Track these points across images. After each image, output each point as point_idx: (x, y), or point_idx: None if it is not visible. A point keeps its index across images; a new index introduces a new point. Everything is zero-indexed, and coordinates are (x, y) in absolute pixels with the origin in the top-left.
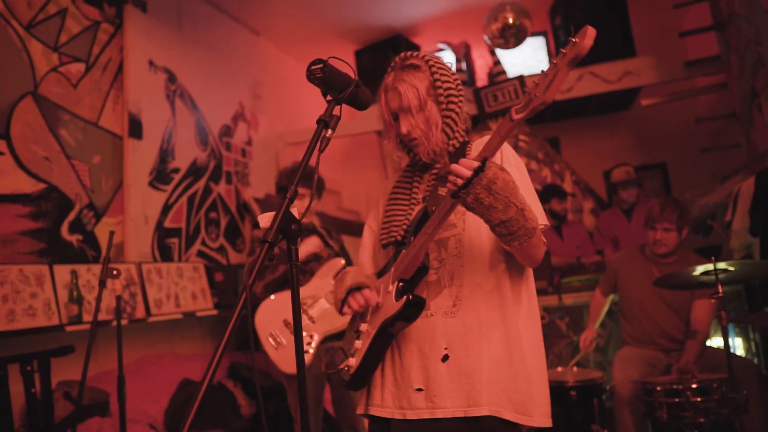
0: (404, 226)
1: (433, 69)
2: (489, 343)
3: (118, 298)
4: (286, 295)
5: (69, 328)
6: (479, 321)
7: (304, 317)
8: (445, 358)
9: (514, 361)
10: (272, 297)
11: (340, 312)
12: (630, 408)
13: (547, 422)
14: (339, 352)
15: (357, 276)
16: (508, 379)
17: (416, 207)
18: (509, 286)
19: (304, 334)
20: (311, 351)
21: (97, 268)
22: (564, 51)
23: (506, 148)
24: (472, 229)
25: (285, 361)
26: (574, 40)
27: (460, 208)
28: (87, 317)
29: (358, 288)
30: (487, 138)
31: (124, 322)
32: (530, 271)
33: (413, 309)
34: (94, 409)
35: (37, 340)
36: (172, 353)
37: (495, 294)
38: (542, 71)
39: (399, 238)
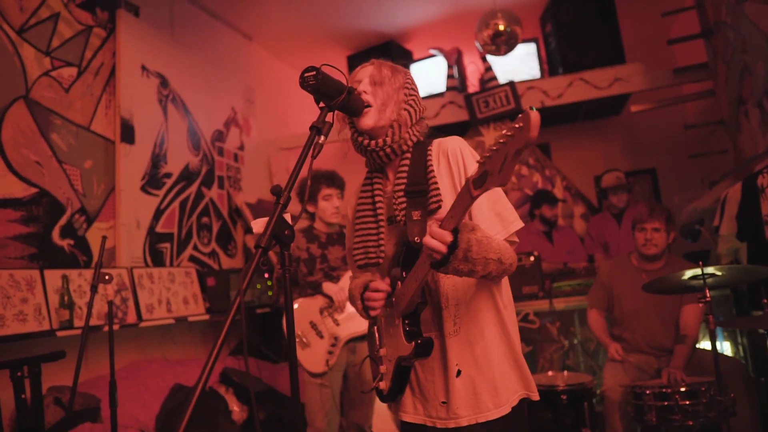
0: (381, 248)
1: (408, 77)
2: (481, 353)
3: (110, 303)
4: (312, 300)
5: (60, 334)
6: (480, 333)
7: (329, 320)
8: (459, 373)
9: (492, 372)
10: (296, 305)
11: (370, 318)
12: (620, 412)
13: (504, 411)
14: (372, 368)
15: (358, 280)
16: (492, 389)
17: (384, 225)
18: (494, 298)
19: (328, 336)
20: (335, 353)
21: (88, 273)
22: (510, 134)
23: (462, 147)
24: None
25: (309, 361)
26: (518, 125)
27: None
28: (78, 322)
29: (365, 289)
30: (446, 143)
31: (115, 327)
32: (506, 284)
33: (423, 350)
34: (84, 415)
35: (27, 345)
36: (163, 358)
37: (480, 307)
38: (492, 147)
39: (380, 261)
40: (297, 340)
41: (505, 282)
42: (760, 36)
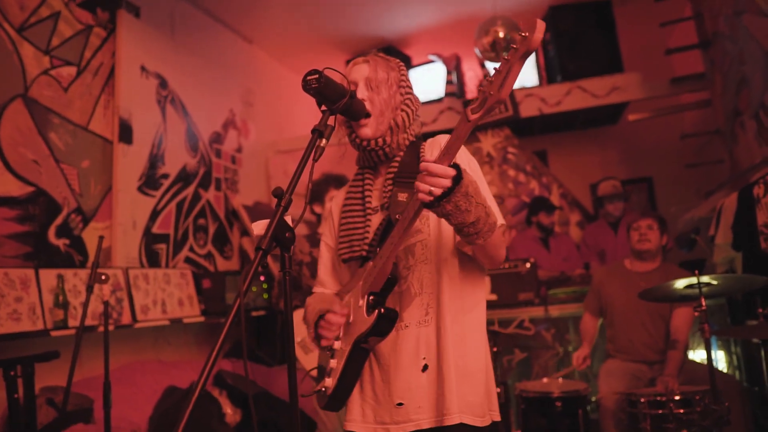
0: (367, 240)
1: (402, 72)
2: (457, 348)
3: (106, 304)
4: None
5: (54, 333)
6: (451, 327)
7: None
8: (425, 368)
9: (474, 366)
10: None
11: (320, 346)
12: (614, 419)
13: (497, 416)
14: (313, 373)
15: (316, 305)
16: (470, 384)
17: (372, 216)
18: (470, 290)
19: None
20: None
21: (83, 273)
22: (515, 46)
23: (463, 156)
24: (437, 233)
25: (313, 365)
26: (524, 34)
27: (424, 212)
28: (72, 322)
29: (321, 317)
30: (440, 139)
31: (110, 327)
32: (485, 279)
33: (386, 322)
34: (77, 416)
35: (21, 344)
36: (157, 360)
37: (459, 299)
38: (494, 68)
39: (365, 254)
40: (299, 345)
41: (482, 296)
42: (758, 48)
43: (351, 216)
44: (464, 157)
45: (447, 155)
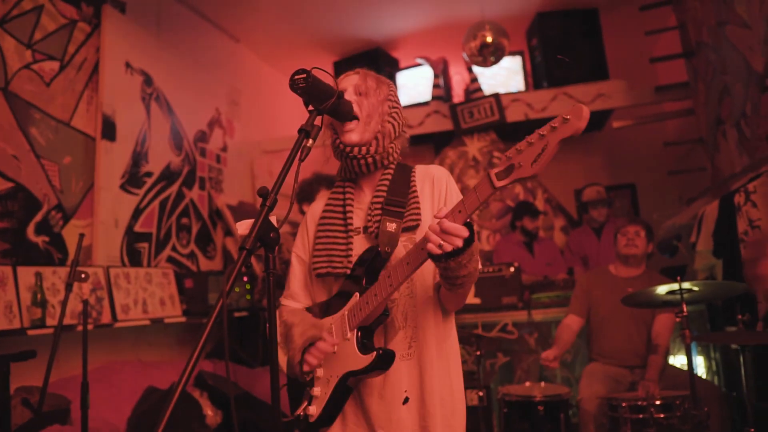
0: (350, 258)
1: (392, 89)
2: (439, 381)
3: (85, 302)
4: None
5: (31, 332)
6: (431, 360)
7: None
8: (406, 400)
9: (452, 396)
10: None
11: (301, 375)
12: (595, 423)
13: None
14: (289, 394)
15: (304, 332)
16: (451, 415)
17: (355, 237)
18: (442, 320)
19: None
20: None
21: (62, 271)
22: (554, 125)
23: (449, 178)
24: (422, 269)
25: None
26: (566, 117)
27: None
28: (50, 321)
29: (311, 344)
30: (432, 170)
31: (89, 327)
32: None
33: (383, 364)
34: (53, 417)
35: None
36: (137, 360)
37: (438, 332)
38: (527, 140)
39: (348, 271)
40: (281, 344)
41: (453, 323)
42: (740, 58)
43: (330, 232)
44: (443, 179)
45: (462, 213)
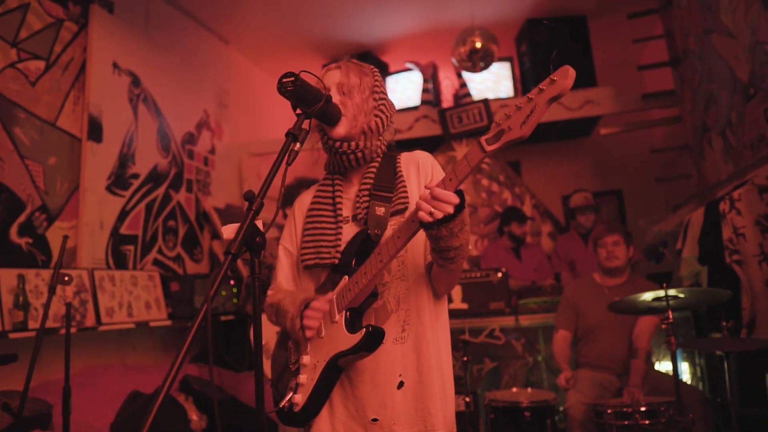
0: (338, 248)
1: (377, 78)
2: (434, 365)
3: (68, 305)
4: None
5: (12, 335)
6: (427, 344)
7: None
8: (401, 385)
9: (444, 381)
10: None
11: (305, 338)
12: (581, 430)
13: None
14: (274, 391)
15: (295, 299)
16: (444, 399)
17: (344, 226)
18: (434, 304)
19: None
20: None
21: (46, 273)
22: (542, 87)
23: (433, 162)
24: (413, 250)
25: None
26: (553, 78)
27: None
28: (32, 324)
29: (305, 307)
30: (417, 155)
31: (72, 330)
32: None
33: (373, 341)
34: (35, 422)
35: None
36: (122, 364)
37: (431, 315)
38: (516, 105)
39: (336, 261)
40: (265, 350)
41: (446, 310)
42: (725, 67)
43: (319, 222)
44: (428, 162)
45: (453, 181)
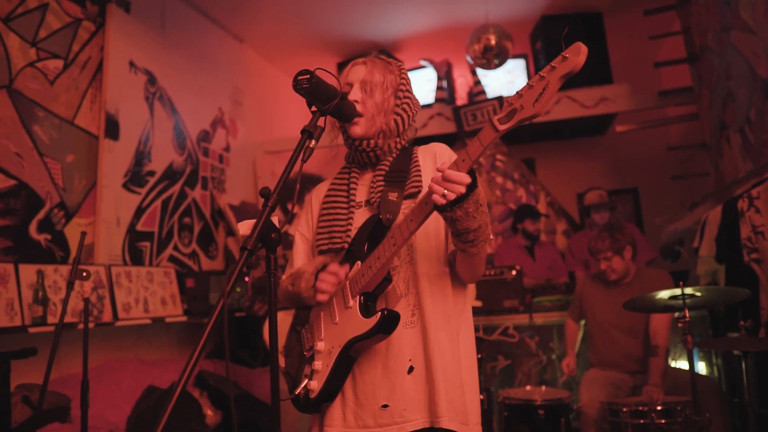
0: (349, 232)
1: (403, 76)
2: (443, 352)
3: (86, 301)
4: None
5: (32, 330)
6: (436, 330)
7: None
8: (411, 370)
9: (457, 371)
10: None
11: (316, 299)
12: (596, 428)
13: (479, 430)
14: (289, 379)
15: (313, 263)
16: (454, 390)
17: (356, 211)
18: (452, 294)
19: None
20: None
21: (64, 269)
22: (554, 65)
23: (450, 152)
24: (422, 234)
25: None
26: (565, 55)
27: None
28: (51, 319)
29: (322, 269)
30: (434, 147)
31: (90, 325)
32: (469, 287)
33: (389, 324)
34: (53, 415)
35: None
36: (138, 359)
37: (444, 302)
38: (528, 84)
39: (346, 246)
40: (282, 351)
41: (468, 301)
42: (744, 64)
43: (333, 208)
44: (445, 153)
45: (465, 161)
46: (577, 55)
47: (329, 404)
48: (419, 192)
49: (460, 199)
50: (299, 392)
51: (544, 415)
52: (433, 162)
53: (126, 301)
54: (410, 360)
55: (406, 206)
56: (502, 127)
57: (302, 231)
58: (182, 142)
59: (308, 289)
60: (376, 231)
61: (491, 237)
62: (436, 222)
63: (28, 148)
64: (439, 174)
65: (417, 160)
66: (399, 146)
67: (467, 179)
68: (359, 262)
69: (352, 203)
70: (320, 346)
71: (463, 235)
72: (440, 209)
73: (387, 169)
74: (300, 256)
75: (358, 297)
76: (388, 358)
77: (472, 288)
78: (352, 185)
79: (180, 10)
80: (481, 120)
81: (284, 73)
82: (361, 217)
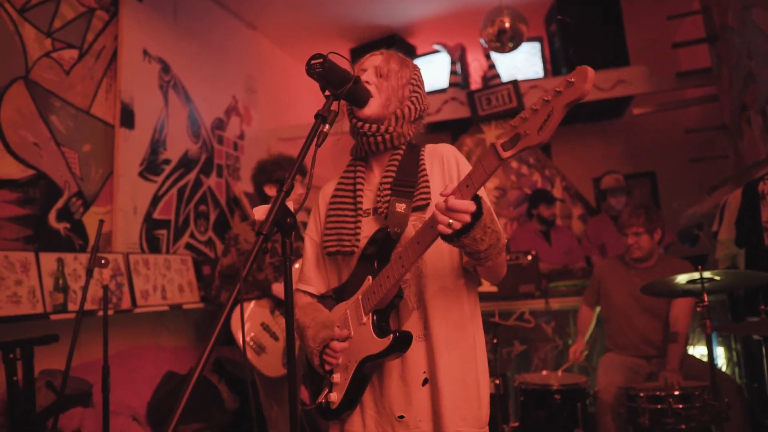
0: (358, 236)
1: (416, 73)
2: (452, 363)
3: (105, 288)
4: (260, 302)
5: (53, 317)
6: (447, 341)
7: (281, 319)
8: (425, 382)
9: (473, 378)
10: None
11: (323, 371)
12: (612, 413)
13: (486, 430)
14: (309, 385)
15: (316, 335)
16: (463, 400)
17: (363, 219)
18: (467, 301)
19: (284, 335)
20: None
21: (83, 257)
22: (559, 89)
23: (457, 155)
24: (434, 247)
25: (268, 366)
26: (570, 80)
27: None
28: (72, 306)
29: (325, 345)
30: (440, 149)
31: (109, 312)
32: (476, 288)
33: (401, 346)
34: (76, 400)
35: (20, 327)
36: (156, 345)
37: (457, 311)
38: (531, 107)
39: (356, 250)
40: (251, 346)
41: (478, 303)
42: (766, 42)
43: (341, 213)
44: (452, 157)
45: (469, 188)
46: (584, 81)
47: (350, 413)
48: (427, 205)
49: (466, 229)
50: (320, 401)
51: (561, 400)
52: (441, 167)
53: (144, 288)
54: (425, 372)
55: (415, 218)
56: (506, 155)
57: (311, 234)
58: (197, 131)
59: (317, 366)
60: (384, 245)
61: (505, 240)
62: None
63: (46, 138)
64: (443, 202)
65: (424, 166)
66: (406, 138)
67: (472, 207)
68: (369, 278)
69: (359, 210)
70: (340, 359)
71: (474, 256)
72: (446, 239)
73: (394, 175)
74: (310, 261)
75: (371, 315)
76: (404, 371)
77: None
78: (359, 189)
79: None
80: (495, 104)
81: (297, 60)
82: (368, 225)
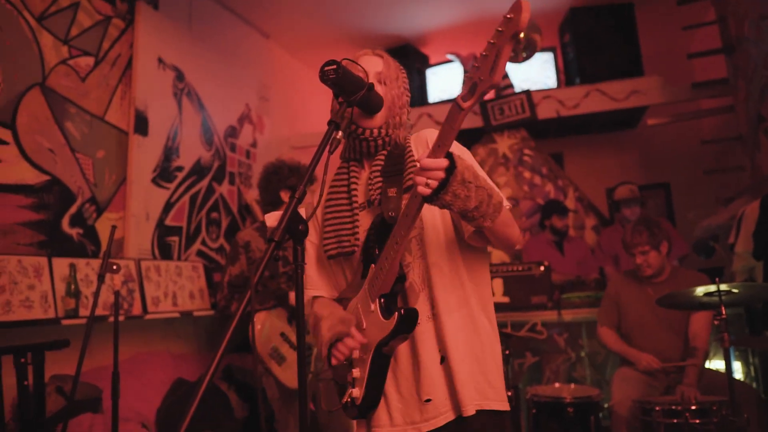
0: (357, 235)
1: (405, 76)
2: (465, 340)
3: (117, 294)
4: (276, 312)
5: (65, 322)
6: (452, 319)
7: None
8: (443, 360)
9: (481, 355)
10: (258, 326)
11: (331, 366)
12: (627, 427)
13: (506, 406)
14: (330, 386)
15: (332, 326)
16: (480, 374)
17: (360, 213)
18: (467, 275)
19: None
20: (312, 359)
21: (95, 263)
22: (500, 28)
23: (435, 133)
24: (429, 226)
25: (290, 376)
26: (509, 15)
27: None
28: (83, 312)
29: (338, 339)
30: (424, 134)
31: (120, 318)
32: (485, 259)
33: (408, 323)
34: (86, 405)
35: (32, 332)
36: (167, 352)
37: (460, 288)
38: (481, 54)
39: (356, 249)
40: (272, 355)
41: (485, 276)
42: None
43: (337, 211)
44: (455, 150)
45: (441, 147)
46: (520, 12)
47: (375, 407)
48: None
49: (443, 185)
50: (346, 401)
51: (574, 413)
52: (426, 149)
53: (155, 294)
54: (440, 351)
55: (407, 200)
56: (466, 104)
57: (311, 238)
58: (210, 138)
59: (323, 358)
60: (382, 230)
61: (506, 204)
62: (440, 212)
63: (61, 144)
64: (418, 165)
65: (410, 151)
66: (400, 140)
67: (444, 163)
68: (373, 266)
69: (355, 205)
70: (355, 353)
71: (466, 215)
72: (428, 200)
73: (382, 164)
74: (312, 264)
75: (377, 300)
76: (421, 353)
77: (485, 261)
78: (353, 186)
79: (206, 6)
80: (508, 114)
81: (310, 68)
82: (365, 219)
